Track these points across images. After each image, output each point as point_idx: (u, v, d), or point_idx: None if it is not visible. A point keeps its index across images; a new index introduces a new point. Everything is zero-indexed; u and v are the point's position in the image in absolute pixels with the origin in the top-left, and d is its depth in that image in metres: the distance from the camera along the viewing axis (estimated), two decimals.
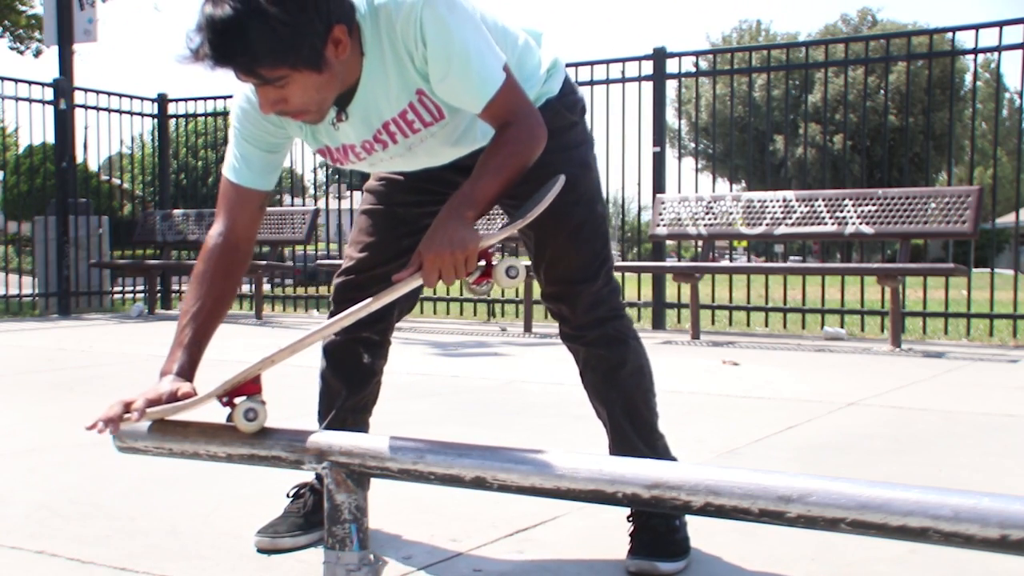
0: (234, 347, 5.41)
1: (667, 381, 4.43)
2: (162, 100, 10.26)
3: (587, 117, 2.06)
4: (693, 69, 7.88)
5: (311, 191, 17.07)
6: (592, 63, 7.93)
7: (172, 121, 10.46)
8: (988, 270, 7.36)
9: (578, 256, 1.92)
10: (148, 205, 12.35)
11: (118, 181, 14.01)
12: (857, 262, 7.90)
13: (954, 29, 6.90)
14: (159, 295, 9.78)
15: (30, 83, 9.05)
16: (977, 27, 6.54)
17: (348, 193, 9.50)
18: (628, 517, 1.98)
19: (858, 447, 3.05)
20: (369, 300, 1.59)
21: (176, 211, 9.51)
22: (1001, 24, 6.44)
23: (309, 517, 2.04)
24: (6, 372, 4.95)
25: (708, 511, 1.26)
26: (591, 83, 7.88)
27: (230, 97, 1.88)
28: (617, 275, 2.09)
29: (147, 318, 8.80)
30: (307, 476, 2.15)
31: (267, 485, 2.38)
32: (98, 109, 9.66)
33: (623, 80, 7.81)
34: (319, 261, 8.83)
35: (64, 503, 2.37)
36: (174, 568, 1.90)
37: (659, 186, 7.63)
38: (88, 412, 1.63)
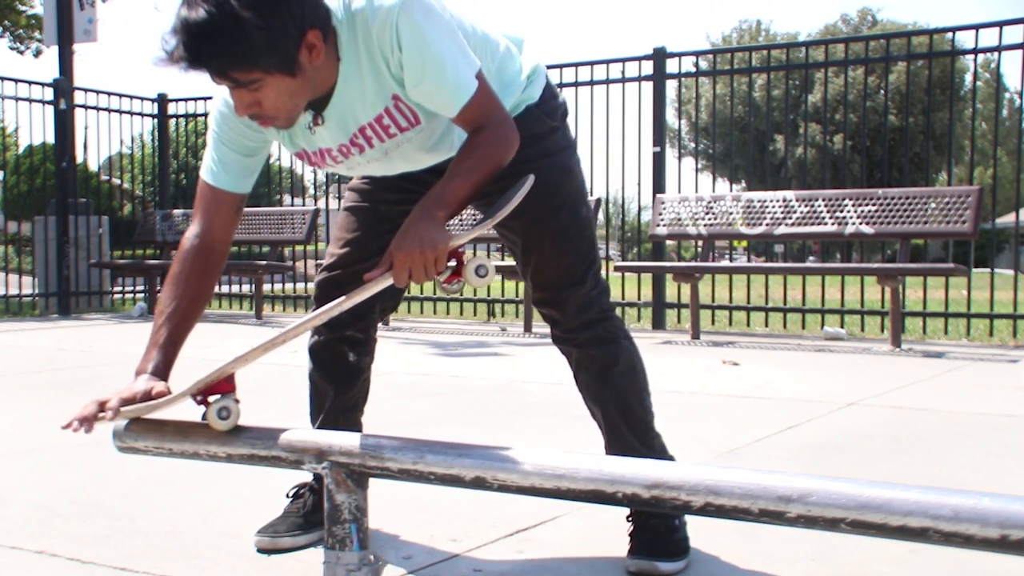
0: (234, 347, 5.41)
1: (667, 381, 4.43)
2: (162, 100, 10.26)
3: (570, 120, 2.06)
4: (693, 69, 7.88)
5: (311, 191, 17.08)
6: (592, 63, 7.94)
7: (172, 121, 10.46)
8: (988, 270, 7.36)
9: (565, 261, 1.93)
10: (148, 205, 12.35)
11: (118, 181, 14.01)
12: (857, 262, 7.91)
13: (954, 29, 6.90)
14: (159, 295, 9.77)
15: (30, 83, 9.05)
16: (977, 27, 6.54)
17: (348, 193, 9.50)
18: (628, 517, 1.98)
19: (858, 447, 3.05)
20: (341, 299, 1.60)
21: (176, 211, 9.51)
22: (1001, 24, 6.44)
23: (309, 517, 2.05)
24: (6, 372, 4.96)
25: (708, 511, 1.26)
26: (591, 83, 7.89)
27: None
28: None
29: (148, 318, 8.79)
30: (307, 476, 2.15)
31: (267, 485, 2.38)
32: (98, 109, 9.66)
33: (623, 80, 7.81)
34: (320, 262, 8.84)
35: (64, 503, 2.37)
36: (174, 568, 1.90)
37: (659, 186, 7.63)
38: None
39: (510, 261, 6.36)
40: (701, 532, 2.01)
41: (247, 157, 1.83)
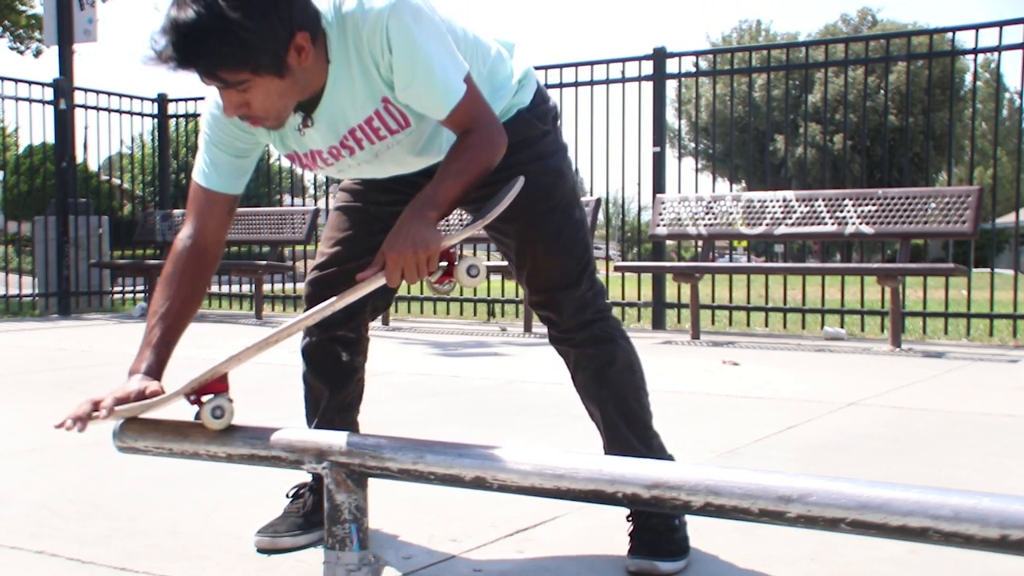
0: (233, 347, 5.41)
1: (667, 381, 4.43)
2: (162, 100, 10.26)
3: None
4: (693, 69, 7.88)
5: (311, 191, 17.07)
6: (592, 63, 7.94)
7: (172, 121, 10.45)
8: (988, 270, 7.36)
9: (559, 263, 1.94)
10: (148, 205, 12.35)
11: (118, 181, 14.01)
12: (857, 262, 7.90)
13: (954, 29, 6.90)
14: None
15: (30, 83, 9.05)
16: (977, 27, 6.54)
17: None
18: (628, 517, 1.98)
19: (858, 447, 3.05)
20: (334, 299, 1.61)
21: (176, 211, 9.51)
22: (1001, 24, 6.44)
23: (309, 517, 2.05)
24: (6, 372, 4.96)
25: (708, 511, 1.26)
26: (591, 83, 7.89)
27: None
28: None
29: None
30: (307, 476, 2.15)
31: (267, 485, 2.38)
32: (98, 109, 9.66)
33: (623, 80, 7.81)
34: None
35: (64, 503, 2.37)
36: (174, 568, 1.90)
37: (659, 186, 7.63)
38: None
39: (505, 260, 6.35)
40: (701, 532, 2.01)
41: (239, 159, 1.84)
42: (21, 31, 24.47)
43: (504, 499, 2.11)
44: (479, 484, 1.41)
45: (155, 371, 1.67)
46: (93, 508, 2.33)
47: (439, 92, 1.67)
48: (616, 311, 8.28)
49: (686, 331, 7.09)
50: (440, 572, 1.88)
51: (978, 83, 8.54)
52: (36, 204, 10.64)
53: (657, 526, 1.91)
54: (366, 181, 2.03)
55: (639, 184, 8.35)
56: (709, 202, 6.88)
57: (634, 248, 13.11)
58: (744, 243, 8.08)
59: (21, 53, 24.79)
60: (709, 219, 6.82)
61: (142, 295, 10.04)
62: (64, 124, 9.24)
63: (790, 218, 6.47)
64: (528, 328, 7.14)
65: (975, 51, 6.67)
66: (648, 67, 7.66)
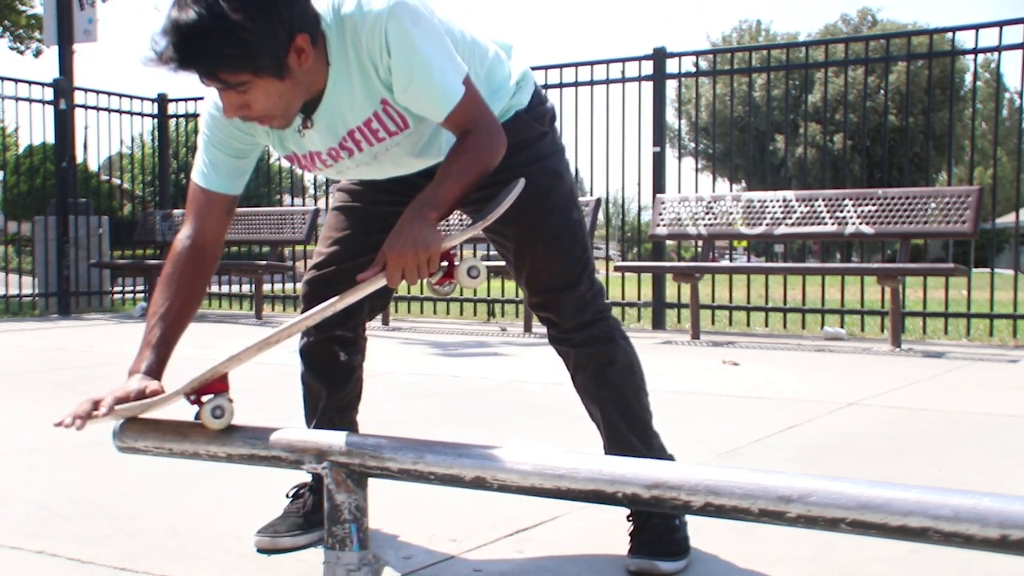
0: (234, 347, 5.41)
1: (667, 381, 4.43)
2: (162, 100, 10.26)
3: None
4: (693, 69, 7.88)
5: (311, 191, 17.08)
6: (592, 63, 7.94)
7: (172, 121, 10.46)
8: (988, 270, 7.36)
9: (558, 265, 1.94)
10: (148, 205, 12.35)
11: (118, 181, 14.01)
12: (857, 262, 7.90)
13: (954, 29, 6.90)
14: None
15: (30, 83, 9.05)
16: (977, 27, 6.54)
17: None
18: (628, 517, 1.98)
19: (858, 447, 3.05)
20: (334, 299, 1.61)
21: (176, 211, 9.51)
22: (1001, 24, 6.44)
23: (309, 517, 2.05)
24: (6, 372, 4.96)
25: (708, 511, 1.26)
26: (591, 83, 7.89)
27: None
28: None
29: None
30: (307, 476, 2.15)
31: (267, 485, 2.38)
32: (98, 109, 9.66)
33: (623, 80, 7.81)
34: None
35: (64, 503, 2.38)
36: (174, 568, 1.90)
37: (659, 186, 7.63)
38: None
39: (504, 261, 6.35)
40: (701, 532, 2.01)
41: (238, 159, 1.85)
42: (21, 31, 24.47)
43: (504, 499, 2.11)
44: (479, 484, 1.41)
45: (155, 371, 1.68)
46: (93, 508, 2.33)
47: (438, 94, 1.67)
48: (616, 311, 8.28)
49: (686, 331, 7.09)
50: (440, 572, 1.88)
51: (978, 83, 8.54)
52: (36, 204, 10.63)
53: (657, 526, 1.91)
54: (364, 182, 2.03)
55: (639, 184, 8.36)
56: (709, 202, 6.88)
57: (634, 248, 13.11)
58: (744, 243, 8.08)
59: (21, 53, 24.80)
60: (709, 219, 6.82)
61: (142, 295, 10.04)
62: (64, 124, 9.24)
63: (790, 218, 6.47)
64: (528, 328, 7.14)
65: (975, 51, 6.67)
66: (648, 67, 7.66)
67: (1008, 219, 21.17)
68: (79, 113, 9.56)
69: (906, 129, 8.02)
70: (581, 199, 7.10)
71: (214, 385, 1.60)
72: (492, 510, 2.25)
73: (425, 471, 1.44)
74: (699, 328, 6.72)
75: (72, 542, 2.06)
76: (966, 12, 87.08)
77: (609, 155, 7.89)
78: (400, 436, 1.51)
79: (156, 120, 10.35)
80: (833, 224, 6.31)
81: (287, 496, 2.13)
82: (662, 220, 7.04)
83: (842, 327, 7.03)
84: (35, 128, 31.82)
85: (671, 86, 10.91)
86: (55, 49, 9.77)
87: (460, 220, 2.14)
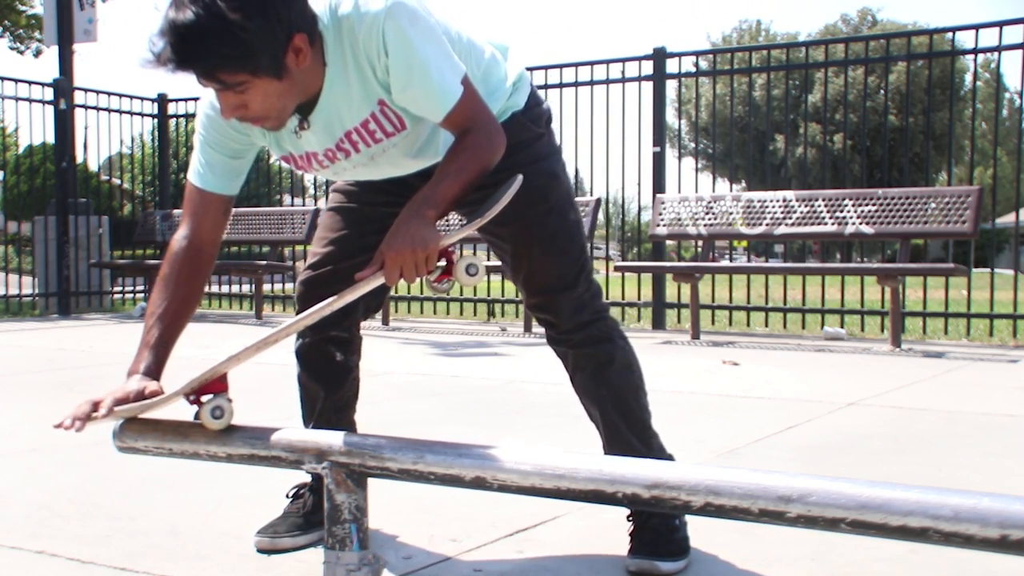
0: (233, 347, 5.41)
1: (667, 381, 4.43)
2: (162, 100, 10.26)
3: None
4: (693, 69, 7.88)
5: (311, 191, 17.08)
6: (592, 63, 7.94)
7: (172, 121, 10.46)
8: (988, 270, 7.36)
9: (556, 266, 1.94)
10: (148, 205, 12.35)
11: (118, 181, 14.01)
12: (857, 262, 7.90)
13: (954, 29, 6.90)
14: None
15: (30, 83, 9.05)
16: (977, 27, 6.54)
17: None
18: (628, 517, 1.98)
19: (858, 447, 3.05)
20: (332, 299, 1.61)
21: (176, 211, 9.50)
22: (1001, 24, 6.44)
23: (309, 517, 2.05)
24: (6, 372, 4.96)
25: (708, 511, 1.26)
26: (591, 83, 7.89)
27: None
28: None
29: None
30: (307, 476, 2.15)
31: (267, 485, 2.38)
32: (98, 109, 9.66)
33: (623, 80, 7.81)
34: None
35: (64, 503, 2.38)
36: (174, 568, 1.90)
37: (659, 186, 7.63)
38: None
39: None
40: (701, 532, 2.01)
41: (234, 159, 1.85)
42: (21, 31, 24.48)
43: (504, 499, 2.11)
44: (479, 484, 1.41)
45: (154, 371, 1.68)
46: (93, 508, 2.33)
47: (435, 95, 1.67)
48: (616, 311, 8.27)
49: (686, 331, 7.09)
50: (440, 572, 1.88)
51: (978, 83, 8.54)
52: (36, 204, 10.64)
53: (657, 526, 1.91)
54: (360, 183, 2.03)
55: (639, 184, 8.36)
56: (709, 202, 6.88)
57: (634, 248, 13.11)
58: (744, 243, 8.08)
59: (21, 53, 24.80)
60: (709, 219, 6.82)
61: (142, 295, 10.04)
62: (64, 124, 9.24)
63: (790, 218, 6.47)
64: (528, 328, 7.14)
65: (975, 51, 6.67)
66: (648, 67, 7.66)
67: (1008, 219, 21.16)
68: (79, 113, 9.56)
69: (906, 129, 8.02)
70: (581, 199, 7.12)
71: (213, 385, 1.60)
72: (492, 510, 2.25)
73: (425, 471, 1.44)
74: (699, 328, 6.72)
75: (72, 542, 2.06)
76: (966, 12, 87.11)
77: (609, 155, 7.89)
78: (400, 436, 1.51)
79: (156, 120, 10.35)
80: (833, 224, 6.31)
81: (287, 496, 2.13)
82: (662, 220, 7.04)
83: (842, 327, 7.03)
84: (35, 128, 31.78)
85: (671, 86, 10.92)
86: (55, 49, 9.77)
87: (458, 221, 2.15)
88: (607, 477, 1.32)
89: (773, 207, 6.55)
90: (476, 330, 7.47)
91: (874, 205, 6.19)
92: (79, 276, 9.40)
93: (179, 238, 1.82)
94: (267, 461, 1.57)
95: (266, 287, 10.15)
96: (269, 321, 8.36)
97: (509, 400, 4.01)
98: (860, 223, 6.21)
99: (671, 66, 7.64)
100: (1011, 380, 4.63)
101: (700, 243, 7.00)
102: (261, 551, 1.99)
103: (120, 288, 10.29)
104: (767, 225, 6.55)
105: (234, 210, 9.51)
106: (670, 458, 2.02)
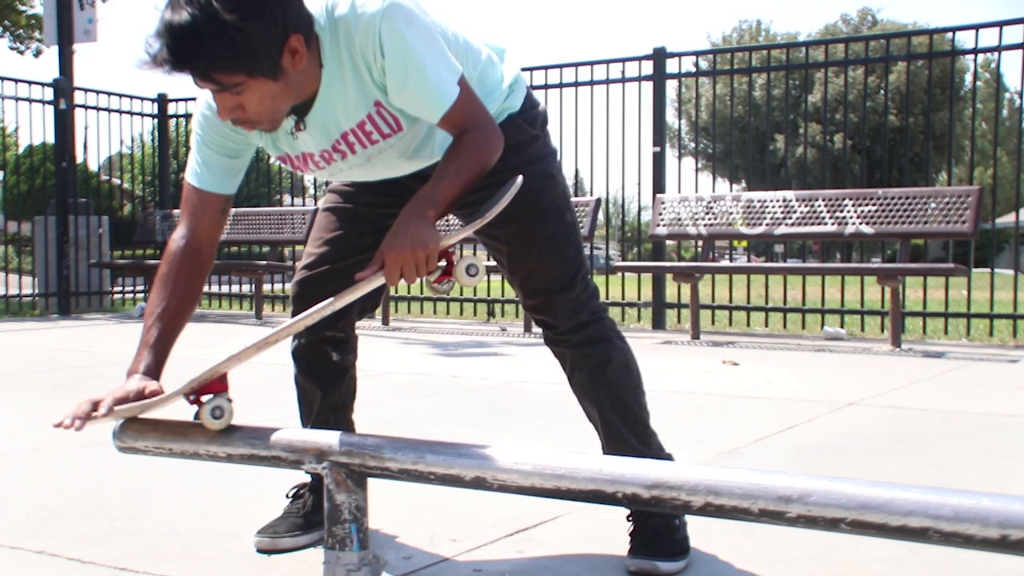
0: (233, 347, 5.41)
1: (667, 381, 4.43)
2: (162, 100, 10.27)
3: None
4: (693, 69, 7.88)
5: (311, 191, 17.07)
6: (592, 63, 7.94)
7: (172, 121, 10.46)
8: (988, 270, 7.35)
9: (552, 267, 1.95)
10: (148, 205, 12.35)
11: (118, 181, 14.01)
12: (857, 262, 7.90)
13: (954, 29, 6.90)
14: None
15: (30, 83, 9.05)
16: (977, 27, 6.54)
17: None
18: (628, 517, 1.98)
19: (858, 447, 3.05)
20: (332, 299, 1.61)
21: (176, 211, 9.50)
22: (1001, 24, 6.44)
23: (309, 517, 2.05)
24: (6, 372, 4.96)
25: (708, 511, 1.26)
26: (591, 83, 7.89)
27: None
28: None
29: None
30: (307, 476, 2.15)
31: (267, 485, 2.39)
32: (98, 109, 9.66)
33: (623, 80, 7.81)
34: None
35: (64, 503, 2.37)
36: (174, 568, 1.90)
37: (659, 186, 7.63)
38: None
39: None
40: (701, 532, 2.01)
41: (231, 159, 1.85)
42: (21, 31, 24.48)
43: (504, 499, 2.11)
44: (479, 484, 1.41)
45: (153, 371, 1.68)
46: (93, 508, 2.33)
47: (432, 96, 1.67)
48: (616, 311, 8.27)
49: (686, 331, 7.09)
50: (440, 572, 1.88)
51: (978, 83, 8.54)
52: (36, 204, 10.63)
53: (657, 526, 1.91)
54: (356, 183, 2.03)
55: (639, 184, 8.36)
56: (709, 202, 6.88)
57: (634, 248, 13.12)
58: (744, 243, 8.08)
59: (21, 53, 24.81)
60: (709, 219, 6.82)
61: (142, 295, 10.04)
62: (64, 124, 9.24)
63: (790, 218, 6.47)
64: (528, 328, 7.14)
65: (975, 51, 6.67)
66: (648, 67, 7.66)
67: (1008, 219, 21.17)
68: (79, 113, 9.56)
69: (906, 129, 8.02)
70: (581, 199, 7.12)
71: (213, 385, 1.60)
72: (492, 510, 2.25)
73: (425, 471, 1.44)
74: (699, 328, 6.72)
75: (72, 542, 2.06)
76: (966, 12, 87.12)
77: (609, 155, 7.89)
78: (400, 436, 1.51)
79: (156, 120, 10.35)
80: (833, 224, 6.30)
81: (287, 496, 2.13)
82: (662, 220, 7.04)
83: (842, 327, 7.03)
84: (35, 128, 31.81)
85: (671, 86, 10.92)
86: (55, 49, 9.78)
87: (456, 224, 2.15)
88: (607, 477, 1.32)
89: (773, 207, 6.55)
90: (476, 330, 7.47)
91: (874, 205, 6.19)
92: (79, 276, 9.40)
93: (177, 238, 1.82)
94: (267, 461, 1.57)
95: (266, 287, 10.15)
96: (269, 321, 8.36)
97: (509, 400, 4.01)
98: (860, 223, 6.21)
99: (671, 66, 7.64)
100: (1011, 380, 4.63)
101: (700, 243, 7.00)
102: (261, 551, 1.99)
103: (120, 288, 10.29)
104: (767, 225, 6.55)
105: (234, 210, 9.42)
106: (669, 457, 2.03)
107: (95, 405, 1.57)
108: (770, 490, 1.22)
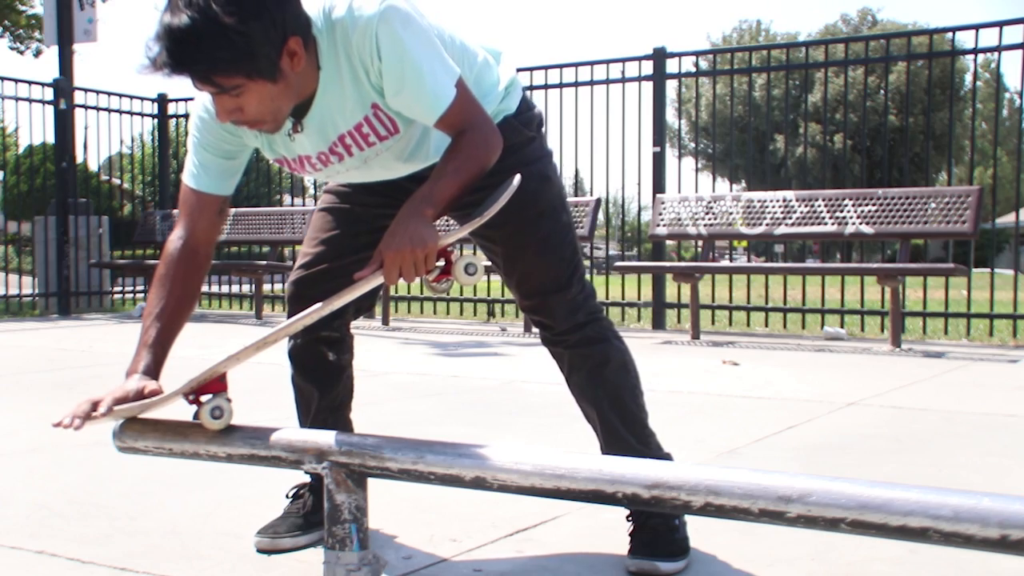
0: (234, 347, 5.41)
1: (667, 381, 4.43)
2: (162, 100, 10.27)
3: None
4: (693, 69, 7.88)
5: (311, 191, 17.07)
6: (592, 63, 7.94)
7: (172, 121, 10.46)
8: (988, 270, 7.35)
9: (549, 268, 1.95)
10: (148, 205, 12.35)
11: (118, 181, 14.01)
12: (857, 262, 7.90)
13: (954, 29, 6.90)
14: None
15: (30, 83, 9.05)
16: (977, 27, 6.54)
17: None
18: (628, 517, 1.98)
19: (858, 447, 3.05)
20: (332, 298, 1.61)
21: (176, 211, 9.50)
22: (1001, 24, 6.44)
23: (309, 517, 2.05)
24: (6, 372, 4.96)
25: (708, 511, 1.26)
26: (591, 83, 7.89)
27: None
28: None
29: None
30: (307, 476, 2.15)
31: (267, 485, 2.39)
32: (98, 109, 9.66)
33: (623, 80, 7.81)
34: None
35: (64, 503, 2.38)
36: (174, 568, 1.90)
37: (659, 186, 7.63)
38: None
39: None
40: (701, 532, 2.01)
41: (228, 160, 1.85)
42: (21, 31, 24.48)
43: (504, 499, 2.11)
44: (479, 484, 1.41)
45: (152, 371, 1.68)
46: (93, 508, 2.33)
47: (429, 98, 1.67)
48: (616, 311, 8.26)
49: (686, 331, 7.09)
50: (440, 572, 1.88)
51: (978, 83, 8.54)
52: (36, 204, 10.63)
53: (657, 526, 1.92)
54: (353, 184, 2.03)
55: (639, 184, 8.36)
56: (709, 202, 6.88)
57: (634, 248, 13.12)
58: (744, 243, 8.08)
59: (21, 53, 24.81)
60: (709, 219, 6.82)
61: (142, 295, 10.04)
62: (64, 124, 9.24)
63: (790, 218, 6.47)
64: (528, 328, 7.14)
65: (975, 51, 6.67)
66: (648, 67, 7.66)
67: (1008, 219, 21.16)
68: (79, 113, 9.56)
69: (906, 129, 8.02)
70: (581, 199, 7.12)
71: (213, 385, 1.60)
72: (492, 510, 2.25)
73: (425, 471, 1.44)
74: (699, 328, 6.72)
75: (72, 542, 2.06)
76: (966, 12, 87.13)
77: (609, 155, 7.89)
78: (400, 436, 1.51)
79: (156, 120, 10.35)
80: (833, 224, 6.30)
81: (287, 496, 2.13)
82: (662, 220, 7.04)
83: (842, 327, 7.02)
84: (35, 128, 31.81)
85: (671, 86, 10.92)
86: (55, 49, 9.77)
87: (454, 225, 2.16)
88: (607, 477, 1.32)
89: (773, 207, 6.55)
90: (476, 330, 7.47)
91: (874, 205, 6.19)
92: (79, 276, 9.39)
93: (175, 239, 1.83)
94: (267, 461, 1.57)
95: (266, 287, 10.15)
96: (269, 321, 8.36)
97: (509, 400, 4.01)
98: (860, 223, 6.21)
99: (671, 66, 7.64)
100: (1011, 380, 4.63)
101: (700, 243, 7.00)
102: (261, 551, 1.99)
103: (120, 288, 10.29)
104: (767, 225, 6.55)
105: (234, 210, 9.41)
106: (668, 457, 2.03)
107: (94, 405, 1.57)
108: (770, 490, 1.22)
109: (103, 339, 6.67)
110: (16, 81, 8.93)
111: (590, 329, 1.97)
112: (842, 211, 6.28)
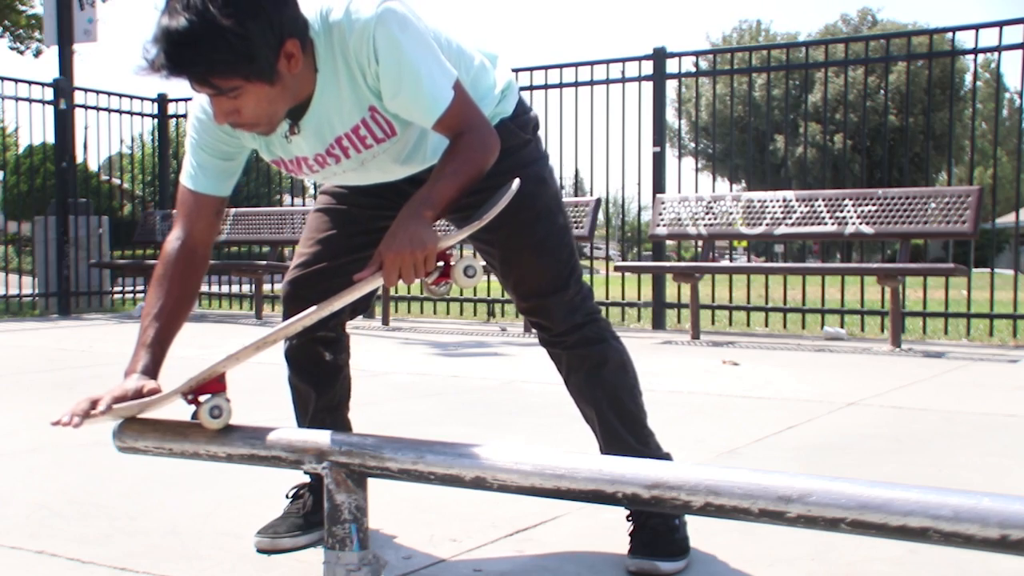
0: (233, 347, 5.41)
1: (667, 381, 4.43)
2: (162, 100, 10.26)
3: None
4: (693, 69, 7.88)
5: (311, 191, 17.07)
6: (592, 63, 7.94)
7: (172, 121, 10.46)
8: (988, 270, 7.35)
9: (545, 270, 1.96)
10: (148, 205, 12.35)
11: (118, 181, 14.01)
12: (857, 262, 7.90)
13: (954, 29, 6.90)
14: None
15: (30, 83, 9.05)
16: (977, 27, 6.54)
17: None
18: (628, 517, 1.98)
19: (858, 447, 3.05)
20: (332, 299, 1.62)
21: (175, 211, 9.50)
22: (1001, 24, 6.44)
23: (309, 517, 2.05)
24: (6, 372, 4.96)
25: (708, 511, 1.26)
26: (591, 83, 7.89)
27: None
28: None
29: None
30: (307, 476, 2.15)
31: (267, 485, 2.39)
32: (98, 109, 9.66)
33: (623, 80, 7.81)
34: None
35: (64, 503, 2.38)
36: (174, 568, 1.90)
37: (659, 186, 7.63)
38: None
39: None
40: (701, 532, 2.01)
41: (225, 161, 1.86)
42: (21, 31, 24.48)
43: (504, 499, 2.11)
44: (479, 484, 1.41)
45: (151, 370, 1.68)
46: (93, 508, 2.33)
47: (427, 100, 1.67)
48: (616, 311, 8.25)
49: (686, 331, 7.08)
50: (440, 572, 1.88)
51: (978, 83, 8.54)
52: (36, 204, 10.63)
53: (657, 526, 1.92)
54: (349, 186, 2.03)
55: (639, 184, 8.36)
56: (709, 202, 6.88)
57: (634, 248, 13.12)
58: (744, 243, 8.08)
59: (21, 53, 24.81)
60: (709, 219, 6.82)
61: (142, 295, 10.03)
62: (64, 124, 9.24)
63: (790, 218, 6.47)
64: (528, 328, 7.14)
65: (975, 51, 6.67)
66: (648, 67, 7.66)
67: (1008, 219, 21.16)
68: (79, 113, 9.56)
69: (906, 129, 8.02)
70: (581, 199, 7.12)
71: (212, 385, 1.60)
72: (492, 510, 2.25)
73: (425, 471, 1.44)
74: (699, 328, 6.72)
75: (72, 542, 2.06)
76: (966, 12, 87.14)
77: (609, 155, 7.89)
78: (400, 436, 1.51)
79: (156, 120, 10.35)
80: (833, 224, 6.30)
81: (287, 496, 2.13)
82: (662, 220, 7.04)
83: (842, 327, 7.02)
84: (35, 128, 31.82)
85: (671, 86, 10.91)
86: (55, 49, 9.77)
87: (449, 228, 2.16)
88: (607, 477, 1.32)
89: (773, 207, 6.55)
90: (476, 330, 7.47)
91: (874, 205, 6.19)
92: (79, 276, 9.39)
93: (172, 239, 1.83)
94: (267, 461, 1.57)
95: (266, 287, 10.15)
96: (269, 321, 8.36)
97: (509, 400, 4.01)
98: (860, 223, 6.21)
99: (671, 66, 7.64)
100: (1011, 380, 4.63)
101: (700, 243, 7.00)
102: (261, 551, 1.99)
103: (120, 288, 10.29)
104: (767, 225, 6.55)
105: (234, 210, 9.42)
106: (667, 457, 2.03)
107: (93, 403, 1.57)
108: (770, 490, 1.22)
109: (103, 339, 6.67)
110: (16, 81, 8.93)
111: (588, 330, 1.98)
112: (842, 211, 6.28)
